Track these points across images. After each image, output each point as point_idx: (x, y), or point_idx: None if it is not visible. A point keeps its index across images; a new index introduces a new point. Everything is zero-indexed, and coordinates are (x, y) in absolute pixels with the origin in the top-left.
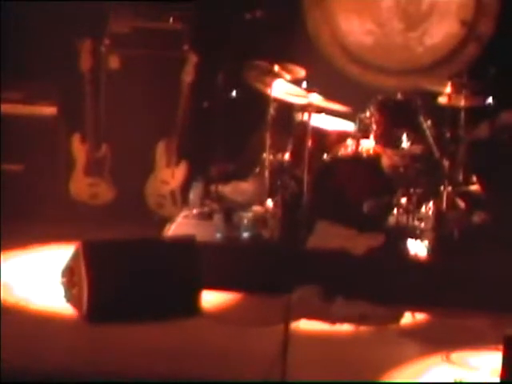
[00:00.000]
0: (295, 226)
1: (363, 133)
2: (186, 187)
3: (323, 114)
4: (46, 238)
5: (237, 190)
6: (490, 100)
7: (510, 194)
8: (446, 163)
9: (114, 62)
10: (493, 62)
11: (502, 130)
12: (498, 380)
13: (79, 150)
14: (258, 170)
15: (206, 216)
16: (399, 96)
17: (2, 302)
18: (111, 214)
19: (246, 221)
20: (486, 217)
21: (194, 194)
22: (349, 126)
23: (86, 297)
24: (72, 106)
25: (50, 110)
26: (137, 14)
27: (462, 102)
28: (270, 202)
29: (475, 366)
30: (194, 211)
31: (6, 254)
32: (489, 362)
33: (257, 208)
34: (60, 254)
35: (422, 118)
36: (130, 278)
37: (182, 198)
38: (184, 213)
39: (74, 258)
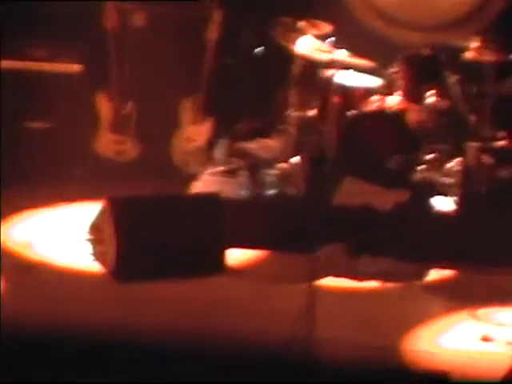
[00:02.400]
0: (321, 183)
1: (389, 89)
2: (211, 144)
3: (349, 70)
4: (72, 196)
5: (262, 146)
6: None
7: None
8: (472, 119)
9: (139, 20)
10: None
11: None
12: None
13: (105, 107)
14: (283, 127)
15: (232, 173)
16: (425, 51)
17: (25, 259)
18: (137, 171)
19: (271, 178)
20: None
21: (219, 152)
22: (375, 82)
23: (112, 254)
24: (97, 63)
25: (75, 68)
26: None
27: (489, 57)
28: (295, 159)
29: (502, 322)
30: (220, 168)
31: (33, 212)
32: None
33: (282, 165)
34: (86, 212)
35: (448, 74)
36: (157, 234)
37: (207, 155)
38: (209, 170)
39: (101, 215)
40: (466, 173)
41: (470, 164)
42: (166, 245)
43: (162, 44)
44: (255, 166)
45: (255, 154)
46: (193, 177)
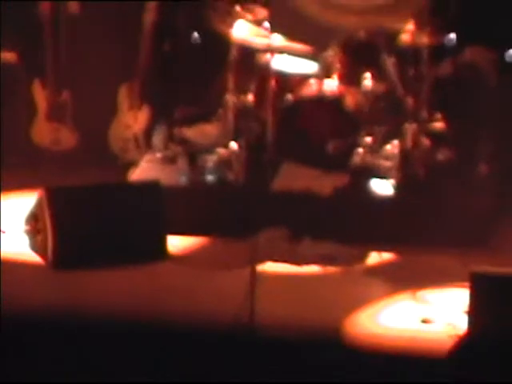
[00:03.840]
0: (260, 168)
1: (326, 73)
2: (149, 131)
3: (285, 55)
4: (8, 186)
5: (200, 132)
6: (452, 37)
7: (473, 130)
8: (409, 101)
9: (73, 7)
10: None
11: (465, 66)
12: (465, 316)
13: (40, 95)
14: (221, 112)
15: (170, 160)
16: (362, 35)
17: None
18: (74, 160)
19: (210, 164)
20: (451, 154)
21: (157, 138)
22: (311, 66)
23: (50, 244)
24: (32, 51)
25: (9, 57)
26: None
27: (425, 40)
28: (234, 145)
29: (442, 303)
30: (158, 155)
31: None
32: (456, 298)
33: (221, 150)
34: (23, 202)
35: (384, 56)
36: (95, 223)
37: (145, 141)
38: (148, 157)
39: (38, 204)
40: (405, 155)
41: (408, 146)
42: (105, 233)
43: (97, 31)
44: (194, 153)
45: (194, 140)
46: (131, 164)
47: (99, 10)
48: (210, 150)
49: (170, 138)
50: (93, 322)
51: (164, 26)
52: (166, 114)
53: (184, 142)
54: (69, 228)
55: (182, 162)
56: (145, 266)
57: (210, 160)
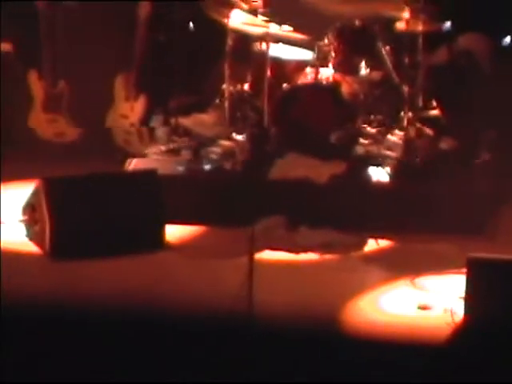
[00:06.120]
0: (264, 159)
1: (322, 61)
2: (146, 120)
3: (281, 44)
4: (7, 177)
5: (197, 121)
6: (447, 24)
7: (469, 118)
8: (405, 89)
9: None
10: None
11: (460, 54)
12: (462, 302)
13: (36, 86)
14: (218, 101)
15: (174, 152)
16: (357, 23)
17: None
18: (75, 151)
19: (214, 155)
20: (449, 142)
21: (161, 131)
22: (307, 55)
23: (48, 234)
24: (28, 42)
25: (5, 47)
26: None
27: (420, 27)
28: (236, 136)
29: (440, 289)
30: (162, 148)
31: None
32: (453, 285)
33: (224, 142)
34: (22, 193)
35: (380, 44)
36: (93, 213)
37: (148, 134)
38: (152, 149)
39: (35, 194)
40: (406, 144)
41: (409, 135)
42: (103, 222)
43: (92, 21)
44: (198, 145)
45: (193, 130)
46: (134, 157)
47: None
48: (213, 141)
49: (174, 131)
50: (90, 311)
51: (159, 17)
52: (163, 103)
53: (187, 134)
54: (66, 218)
55: (186, 155)
56: (142, 255)
57: (214, 152)
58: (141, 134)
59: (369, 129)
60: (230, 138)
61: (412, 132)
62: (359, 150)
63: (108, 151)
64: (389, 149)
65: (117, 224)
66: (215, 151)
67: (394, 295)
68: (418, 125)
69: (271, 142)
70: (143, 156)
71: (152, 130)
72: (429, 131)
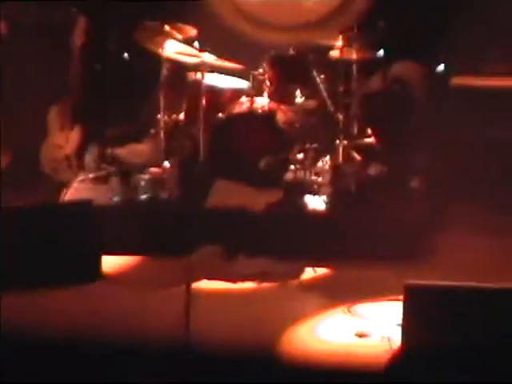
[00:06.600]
0: (193, 186)
1: (257, 90)
2: (81, 151)
3: (216, 73)
4: None
5: (133, 152)
6: (380, 52)
7: (403, 144)
8: (340, 117)
9: (2, 29)
10: (382, 15)
11: (394, 81)
12: (399, 329)
13: None
14: (153, 131)
15: (103, 180)
16: (291, 51)
17: None
18: (5, 181)
19: (143, 183)
20: (382, 168)
21: (89, 158)
22: (242, 84)
23: None
24: None
25: None
26: None
27: (354, 56)
28: (166, 163)
29: (377, 316)
30: (91, 175)
31: None
32: (390, 312)
33: (154, 169)
34: None
35: (314, 73)
36: (27, 245)
37: (77, 162)
38: (80, 177)
39: None
40: (336, 171)
41: (339, 162)
42: (37, 255)
43: (26, 52)
44: (126, 172)
45: (126, 160)
46: (63, 184)
47: (28, 32)
48: (142, 169)
49: (103, 158)
50: (26, 343)
51: (94, 47)
52: (98, 133)
53: (116, 161)
54: (0, 250)
55: (115, 182)
56: (79, 286)
57: (143, 179)
58: (69, 162)
59: (298, 156)
60: (159, 166)
61: (340, 158)
62: (288, 176)
63: (37, 180)
64: (317, 174)
65: (52, 256)
66: (144, 178)
67: (332, 323)
68: (350, 151)
69: (202, 169)
70: (69, 184)
71: (80, 158)
72: (357, 157)
